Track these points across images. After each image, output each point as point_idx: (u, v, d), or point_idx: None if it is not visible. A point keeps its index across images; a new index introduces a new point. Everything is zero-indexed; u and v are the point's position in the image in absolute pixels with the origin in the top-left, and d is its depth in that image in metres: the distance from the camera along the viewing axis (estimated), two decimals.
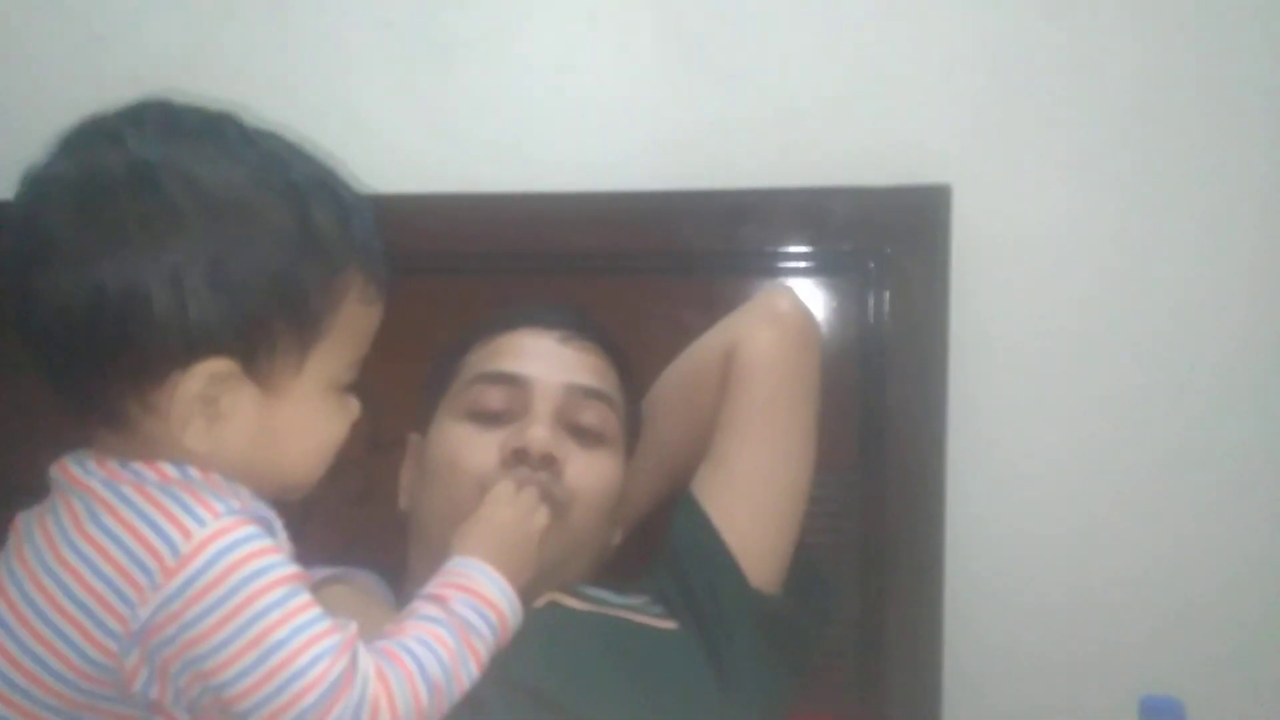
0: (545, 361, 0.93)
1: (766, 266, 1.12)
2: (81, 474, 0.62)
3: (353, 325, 0.65)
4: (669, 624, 0.86)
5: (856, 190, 1.14)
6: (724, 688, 0.84)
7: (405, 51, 1.26)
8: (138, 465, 0.61)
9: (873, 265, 1.13)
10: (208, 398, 0.60)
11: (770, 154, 1.19)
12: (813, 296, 1.06)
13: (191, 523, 0.59)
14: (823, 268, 1.15)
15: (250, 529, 0.60)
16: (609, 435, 0.93)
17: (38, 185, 0.61)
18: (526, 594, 0.75)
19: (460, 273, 1.18)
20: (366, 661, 0.61)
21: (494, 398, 0.91)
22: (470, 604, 0.69)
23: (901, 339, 1.13)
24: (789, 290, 0.99)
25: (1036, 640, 1.19)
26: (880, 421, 1.13)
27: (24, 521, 0.64)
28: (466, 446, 0.89)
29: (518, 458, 0.86)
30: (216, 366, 0.60)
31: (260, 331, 0.60)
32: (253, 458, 0.63)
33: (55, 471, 0.64)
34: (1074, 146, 1.17)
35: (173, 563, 0.57)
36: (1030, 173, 1.18)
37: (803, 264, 1.15)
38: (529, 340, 0.95)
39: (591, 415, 0.91)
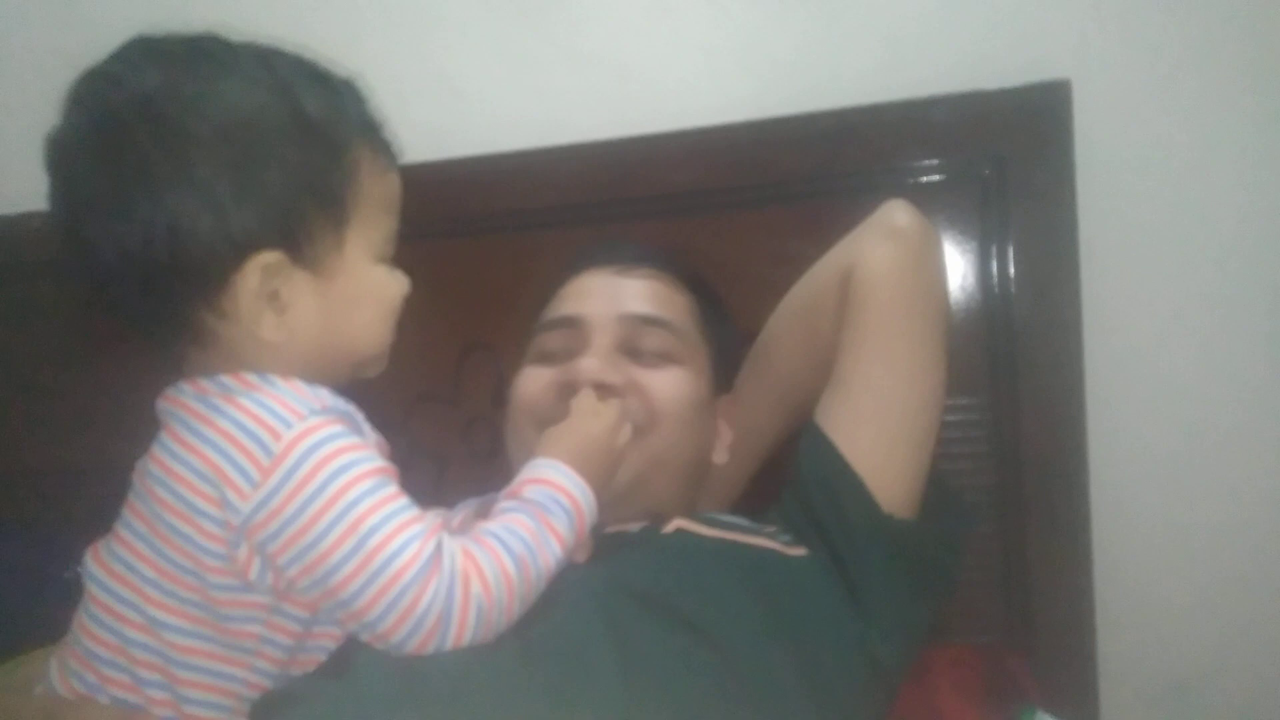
0: (600, 297, 0.94)
1: (876, 187, 1.07)
2: (177, 395, 0.68)
3: (375, 196, 0.70)
4: (799, 551, 0.84)
5: (966, 96, 1.08)
6: (858, 615, 0.81)
7: (494, 10, 1.27)
8: (224, 378, 0.66)
9: (990, 174, 1.07)
10: (269, 292, 0.66)
11: (870, 67, 1.14)
12: (929, 213, 1.00)
13: (280, 425, 0.63)
14: (936, 183, 1.10)
15: (335, 427, 0.64)
16: (677, 354, 0.92)
17: (59, 145, 0.65)
18: (637, 511, 0.75)
19: (569, 225, 1.19)
20: (453, 544, 0.65)
21: (554, 341, 0.93)
22: (543, 491, 0.72)
23: (1027, 251, 1.07)
24: (906, 203, 0.94)
25: (1192, 562, 1.12)
26: (1010, 341, 1.08)
27: (138, 468, 0.69)
28: (527, 386, 0.92)
29: (571, 390, 0.87)
30: (265, 259, 0.65)
31: (292, 220, 0.65)
32: (324, 340, 0.68)
33: (159, 403, 0.69)
34: (1203, 29, 1.08)
35: (267, 462, 0.62)
36: (1157, 62, 1.09)
37: (914, 180, 1.10)
38: (589, 280, 0.96)
39: (653, 340, 0.91)
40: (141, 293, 0.65)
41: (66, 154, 0.65)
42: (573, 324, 0.93)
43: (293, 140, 0.65)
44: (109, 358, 1.07)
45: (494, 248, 1.20)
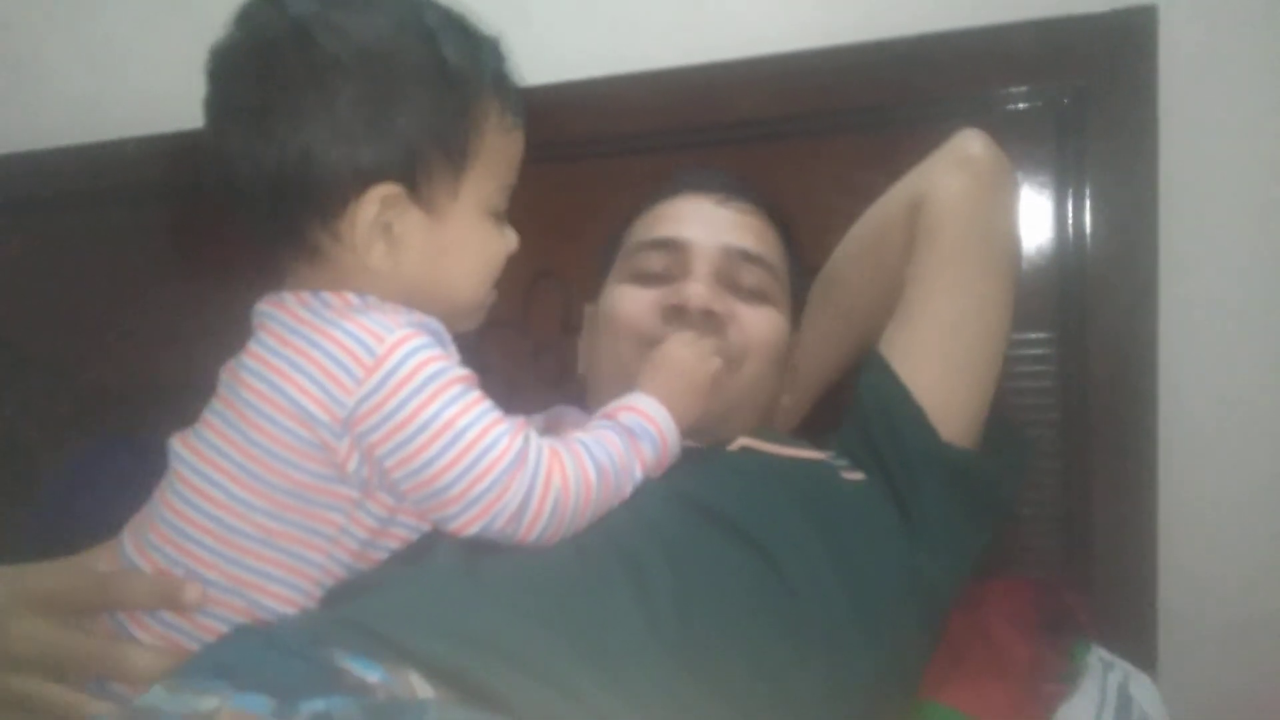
0: (703, 224, 0.94)
1: (949, 116, 1.04)
2: (279, 300, 0.72)
3: (497, 150, 0.73)
4: (857, 476, 0.85)
5: (1045, 21, 1.05)
6: (911, 540, 0.82)
7: None
8: (327, 294, 0.70)
9: (1069, 104, 1.04)
10: (383, 223, 0.69)
11: None
12: (1004, 144, 0.99)
13: (382, 330, 0.67)
14: (1012, 113, 1.07)
15: (427, 338, 0.69)
16: (771, 294, 0.93)
17: (217, 56, 0.70)
18: (708, 437, 0.78)
19: (638, 153, 1.19)
20: (541, 443, 0.70)
21: (654, 261, 0.93)
22: (634, 419, 0.76)
23: (1104, 185, 1.05)
24: (980, 133, 0.92)
25: (1260, 506, 1.10)
26: (1082, 277, 1.06)
27: (228, 366, 0.73)
28: (629, 304, 0.92)
29: (676, 313, 0.88)
30: (385, 191, 0.68)
31: (416, 158, 0.69)
32: (426, 279, 0.72)
33: (258, 306, 0.73)
34: None
35: (370, 361, 0.66)
36: None
37: (989, 110, 1.07)
38: (688, 205, 0.96)
39: (751, 276, 0.92)
40: (268, 206, 0.70)
41: (221, 67, 0.70)
42: (673, 246, 0.93)
43: (428, 82, 0.68)
44: (212, 278, 1.12)
45: (564, 176, 1.21)
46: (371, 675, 0.54)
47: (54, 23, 1.46)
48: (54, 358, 1.43)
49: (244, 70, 0.69)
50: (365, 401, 0.66)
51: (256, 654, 0.56)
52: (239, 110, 0.69)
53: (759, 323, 0.91)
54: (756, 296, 0.92)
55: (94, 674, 0.68)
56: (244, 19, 0.69)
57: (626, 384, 0.86)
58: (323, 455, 0.67)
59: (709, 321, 0.88)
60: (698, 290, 0.88)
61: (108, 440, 1.31)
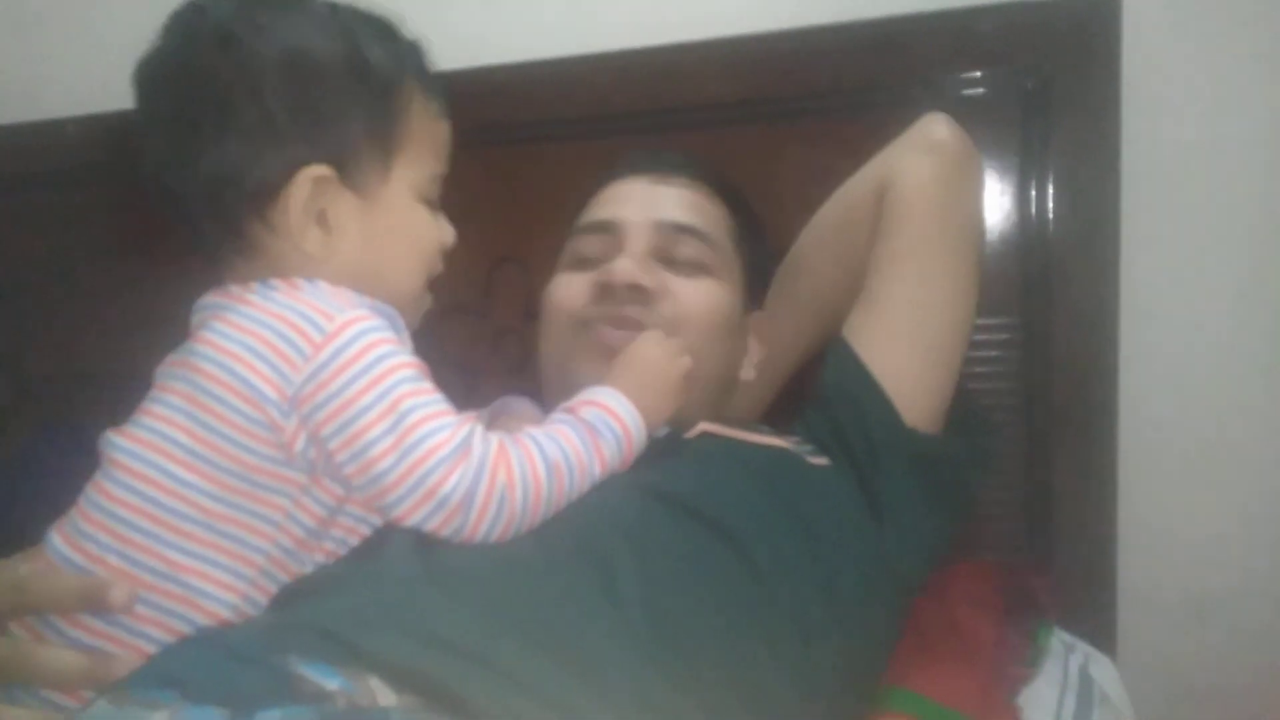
0: (636, 203, 0.94)
1: (914, 100, 1.04)
2: (226, 291, 0.72)
3: (423, 136, 0.75)
4: (821, 461, 0.84)
5: (1011, 6, 1.05)
6: (878, 526, 0.82)
7: None
8: (275, 280, 0.70)
9: (1033, 88, 1.04)
10: (317, 210, 0.71)
11: None
12: (968, 128, 0.98)
13: (332, 309, 0.68)
14: (977, 97, 1.07)
15: (379, 321, 0.69)
16: (711, 265, 0.92)
17: (146, 65, 0.71)
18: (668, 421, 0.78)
19: (601, 136, 1.17)
20: (488, 437, 0.69)
21: (591, 245, 0.94)
22: (595, 413, 0.75)
23: (1068, 169, 1.05)
24: (945, 117, 0.92)
25: (1217, 485, 1.11)
26: (1046, 261, 1.07)
27: (167, 360, 0.72)
28: (563, 289, 0.93)
29: (605, 291, 0.88)
30: (315, 172, 0.70)
31: (343, 143, 0.71)
32: (362, 265, 0.72)
33: (203, 300, 0.73)
34: None
35: (319, 339, 0.66)
36: None
37: (954, 94, 1.07)
38: (624, 187, 0.96)
39: (687, 249, 0.92)
40: (204, 208, 0.71)
41: (149, 75, 0.71)
42: (607, 228, 0.93)
43: (349, 73, 0.71)
44: (154, 262, 1.09)
45: (526, 158, 1.19)
46: (330, 682, 0.53)
47: None
48: None
49: (171, 76, 0.70)
50: (312, 379, 0.65)
51: (208, 662, 0.54)
52: (168, 116, 0.70)
53: (694, 294, 0.90)
54: (694, 269, 0.91)
55: (9, 679, 0.65)
56: (169, 29, 0.71)
57: (564, 370, 0.89)
58: (271, 436, 0.66)
59: (637, 296, 0.87)
60: (623, 265, 0.88)
61: (44, 428, 1.27)
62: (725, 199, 0.97)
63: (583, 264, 0.93)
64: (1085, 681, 0.94)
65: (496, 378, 1.20)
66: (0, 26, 1.41)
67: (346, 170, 0.71)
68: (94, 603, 0.65)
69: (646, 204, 0.93)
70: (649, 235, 0.91)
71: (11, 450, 1.24)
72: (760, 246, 1.00)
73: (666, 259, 0.91)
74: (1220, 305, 1.10)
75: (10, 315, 1.36)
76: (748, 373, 0.99)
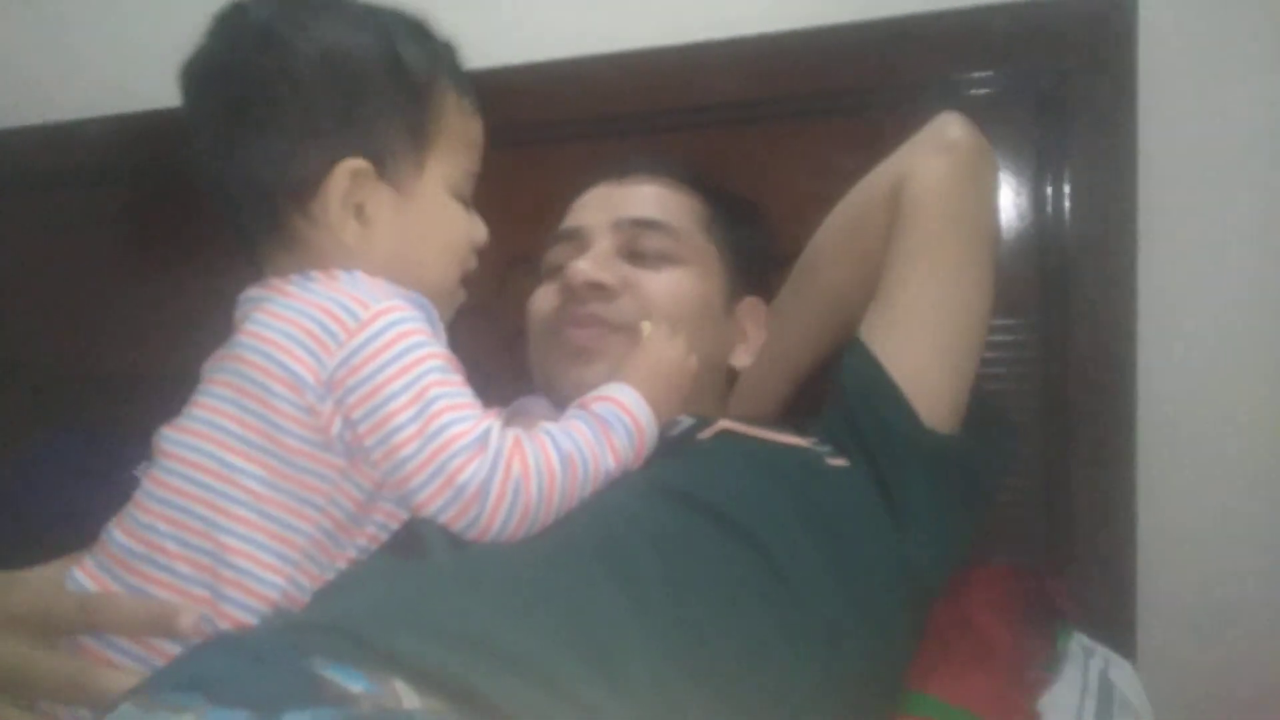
0: (597, 207, 0.97)
1: (929, 100, 1.03)
2: (267, 284, 0.75)
3: (457, 131, 0.78)
4: (840, 462, 0.84)
5: (1026, 4, 1.04)
6: (897, 526, 0.81)
7: None
8: (314, 273, 0.73)
9: (1048, 88, 1.03)
10: (355, 202, 0.73)
11: None
12: (983, 127, 0.98)
13: (368, 298, 0.70)
14: (992, 96, 1.06)
15: (413, 311, 0.71)
16: (677, 255, 0.93)
17: (191, 66, 0.74)
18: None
19: (615, 136, 1.18)
20: (504, 432, 0.70)
21: (560, 254, 0.97)
22: (607, 407, 0.76)
23: (1084, 169, 1.04)
24: (960, 117, 0.91)
25: (1238, 489, 1.11)
26: (1062, 261, 1.06)
27: (215, 355, 0.74)
28: (537, 299, 0.97)
29: (569, 294, 0.91)
30: (353, 165, 0.73)
31: (379, 136, 0.73)
32: (398, 257, 0.75)
33: (246, 294, 0.75)
34: None
35: (354, 325, 0.69)
36: None
37: (969, 93, 1.07)
38: (589, 194, 1.00)
39: (652, 242, 0.93)
40: (245, 197, 0.74)
41: (194, 75, 0.74)
42: (573, 235, 0.96)
43: (386, 71, 0.74)
44: (174, 264, 1.09)
45: (538, 159, 1.18)
46: (355, 685, 0.52)
47: (8, 2, 1.41)
48: (7, 345, 1.38)
49: (215, 75, 0.73)
50: (345, 364, 0.68)
51: (233, 665, 0.54)
52: (213, 113, 0.73)
53: (659, 285, 0.91)
54: (660, 260, 0.93)
55: (66, 698, 0.65)
56: (213, 29, 0.74)
57: (546, 375, 0.93)
58: (310, 420, 0.68)
59: (598, 293, 0.89)
60: (578, 266, 0.90)
61: (62, 432, 1.27)
62: (694, 188, 0.99)
63: (554, 273, 0.96)
64: (1105, 686, 0.93)
65: (510, 379, 1.20)
66: (22, 27, 1.42)
67: (383, 165, 0.74)
68: (164, 629, 0.65)
69: (606, 205, 0.97)
70: (610, 235, 0.94)
71: (24, 453, 1.23)
72: (744, 231, 1.01)
73: (634, 254, 0.93)
74: (1239, 304, 1.09)
75: (28, 316, 1.36)
76: (743, 360, 0.99)
